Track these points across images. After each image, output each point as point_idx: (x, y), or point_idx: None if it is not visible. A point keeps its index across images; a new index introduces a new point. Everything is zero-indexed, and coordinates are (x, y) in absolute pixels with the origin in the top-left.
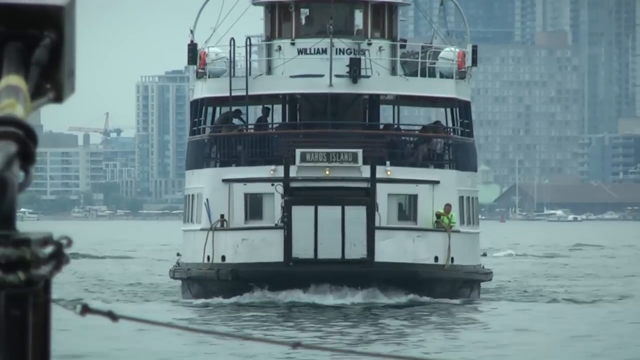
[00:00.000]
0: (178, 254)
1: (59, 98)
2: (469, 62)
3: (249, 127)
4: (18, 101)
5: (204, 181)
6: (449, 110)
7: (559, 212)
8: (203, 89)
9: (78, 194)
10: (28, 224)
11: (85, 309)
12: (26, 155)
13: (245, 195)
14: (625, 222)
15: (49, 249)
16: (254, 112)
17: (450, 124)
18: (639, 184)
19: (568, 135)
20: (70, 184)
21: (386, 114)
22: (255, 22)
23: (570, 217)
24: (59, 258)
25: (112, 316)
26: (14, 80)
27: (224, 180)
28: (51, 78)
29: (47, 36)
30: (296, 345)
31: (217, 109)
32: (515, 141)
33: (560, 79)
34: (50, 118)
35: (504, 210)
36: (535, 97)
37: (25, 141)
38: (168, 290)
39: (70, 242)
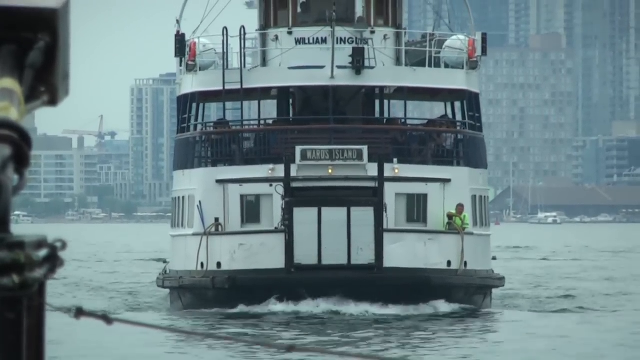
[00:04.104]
0: (165, 261)
1: (53, 101)
2: (479, 51)
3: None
4: (12, 104)
5: (195, 182)
6: (458, 103)
7: (540, 215)
8: (193, 83)
9: (72, 196)
10: (22, 227)
11: (80, 312)
12: (20, 158)
13: (242, 196)
14: (619, 225)
15: (43, 252)
16: (249, 107)
17: (459, 118)
18: (633, 186)
19: (562, 138)
20: (64, 187)
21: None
22: (245, 12)
23: (550, 219)
24: (53, 261)
25: (107, 319)
26: (8, 83)
27: (218, 181)
28: (45, 81)
29: (41, 39)
30: (290, 348)
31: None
32: (509, 144)
33: (554, 82)
34: (45, 121)
35: (498, 213)
36: (529, 100)
37: (20, 144)
38: None
39: (64, 245)
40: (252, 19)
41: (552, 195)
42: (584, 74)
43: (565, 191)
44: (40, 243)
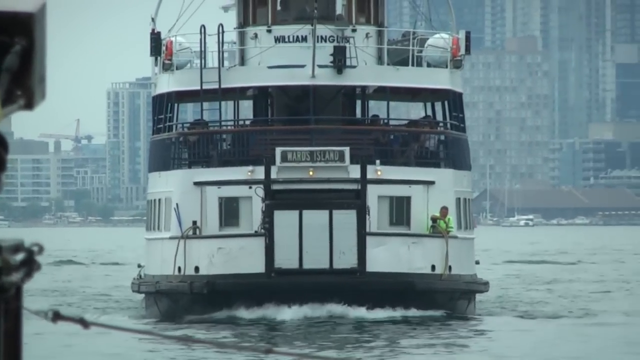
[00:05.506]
0: (139, 265)
1: (29, 105)
2: (462, 50)
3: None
4: None
5: (172, 184)
6: (440, 103)
7: (513, 218)
8: (170, 82)
9: (49, 200)
10: None
11: (57, 316)
12: None
13: (220, 199)
14: (595, 227)
15: (20, 256)
16: (226, 107)
17: (440, 118)
18: (610, 189)
19: (539, 141)
20: (41, 191)
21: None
22: (220, 12)
23: (522, 222)
24: (30, 265)
25: (84, 323)
26: None
27: (196, 183)
28: (22, 84)
29: (17, 43)
30: (269, 351)
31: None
32: (485, 146)
33: (530, 84)
34: (21, 124)
35: (475, 216)
36: (505, 103)
37: None
38: None
39: (41, 249)
40: (229, 19)
41: (528, 197)
42: (560, 76)
43: (541, 194)
44: (17, 247)
